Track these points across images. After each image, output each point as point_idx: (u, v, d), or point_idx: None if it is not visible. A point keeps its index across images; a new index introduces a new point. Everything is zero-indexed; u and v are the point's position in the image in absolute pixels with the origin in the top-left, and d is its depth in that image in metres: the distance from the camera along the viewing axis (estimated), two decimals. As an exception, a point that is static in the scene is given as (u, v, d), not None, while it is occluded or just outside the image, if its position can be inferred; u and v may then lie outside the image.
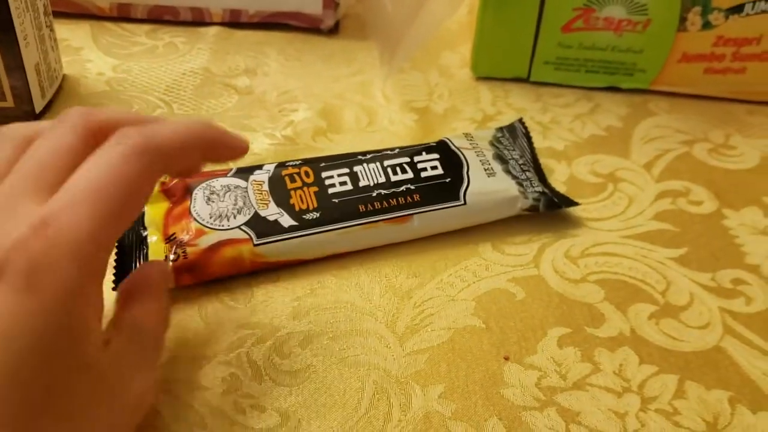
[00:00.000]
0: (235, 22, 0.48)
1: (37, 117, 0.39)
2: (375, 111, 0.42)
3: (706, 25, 0.42)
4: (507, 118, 0.42)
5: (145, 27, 0.48)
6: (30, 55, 0.38)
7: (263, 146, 0.39)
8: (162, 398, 0.26)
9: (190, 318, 0.29)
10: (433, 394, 0.27)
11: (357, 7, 0.51)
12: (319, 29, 0.48)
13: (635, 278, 0.32)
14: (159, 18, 0.48)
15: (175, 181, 0.33)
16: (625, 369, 0.28)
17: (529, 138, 0.36)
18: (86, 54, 0.45)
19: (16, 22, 0.36)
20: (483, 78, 0.45)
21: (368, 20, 0.49)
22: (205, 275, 0.31)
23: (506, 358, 0.29)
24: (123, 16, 0.48)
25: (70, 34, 0.47)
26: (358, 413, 0.26)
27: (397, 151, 0.34)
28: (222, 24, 0.48)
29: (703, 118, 0.43)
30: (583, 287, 0.32)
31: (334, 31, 0.49)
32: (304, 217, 0.32)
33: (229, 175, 0.33)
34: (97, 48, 0.46)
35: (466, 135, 0.35)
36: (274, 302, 0.30)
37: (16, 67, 0.37)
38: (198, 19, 0.48)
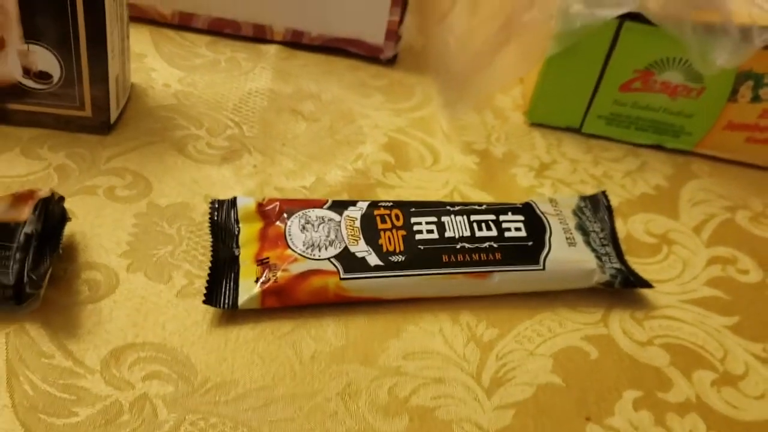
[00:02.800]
0: (296, 42, 0.49)
1: (111, 127, 0.39)
2: (437, 150, 0.43)
3: (756, 99, 0.44)
4: (562, 168, 0.44)
5: (205, 38, 0.48)
6: (114, 67, 0.37)
7: (336, 178, 0.39)
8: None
9: (284, 354, 0.30)
10: (523, 449, 0.29)
11: (417, 40, 0.52)
12: (378, 59, 0.49)
13: (696, 344, 0.34)
14: (219, 30, 0.48)
15: (274, 204, 0.33)
16: (695, 435, 0.30)
17: (610, 212, 0.38)
18: (149, 62, 0.45)
19: (108, 34, 0.36)
20: (536, 124, 0.47)
21: (428, 55, 0.50)
22: (291, 301, 0.31)
23: (588, 419, 0.30)
24: (183, 24, 0.48)
25: (131, 39, 0.47)
26: (455, 465, 0.28)
27: (484, 207, 0.35)
28: (282, 43, 0.49)
29: (741, 185, 0.45)
30: (650, 350, 0.34)
31: (391, 61, 0.50)
32: (390, 258, 0.33)
33: (324, 207, 0.34)
34: (160, 56, 0.46)
35: (551, 200, 0.37)
36: (363, 343, 0.31)
37: (102, 79, 0.37)
38: (259, 36, 0.48)
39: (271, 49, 0.48)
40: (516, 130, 0.46)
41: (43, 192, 0.31)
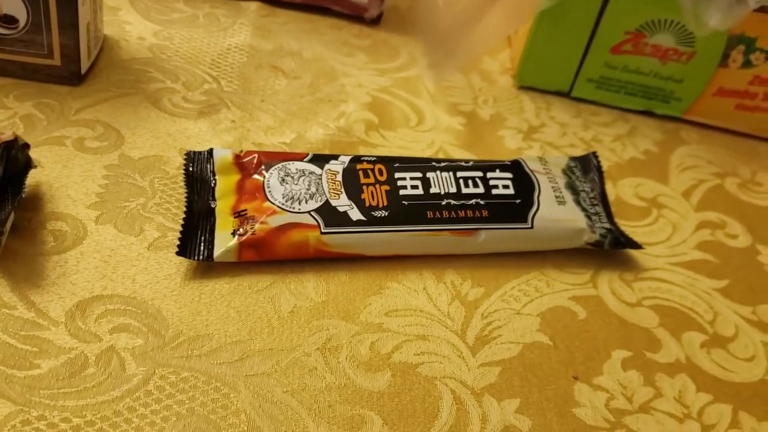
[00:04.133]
0: (277, 0, 0.47)
1: (81, 78, 0.37)
2: (422, 110, 0.42)
3: (747, 64, 0.43)
4: (551, 131, 0.42)
5: (183, -7, 0.46)
6: (84, 14, 0.36)
7: (317, 136, 0.38)
8: (243, 393, 0.26)
9: (261, 308, 0.29)
10: (510, 408, 0.28)
11: (402, 0, 0.50)
12: (362, 18, 0.48)
13: (685, 306, 0.33)
14: (198, -15, 0.47)
15: (251, 156, 0.32)
16: (684, 396, 0.30)
17: (601, 173, 0.37)
18: (124, 15, 0.43)
19: (78, -23, 0.34)
20: (525, 87, 0.46)
21: (414, 15, 0.49)
22: (269, 254, 0.30)
23: (575, 378, 0.29)
24: (160, -22, 0.46)
25: (104, -9, 0.45)
26: (440, 422, 0.26)
27: (471, 163, 0.34)
28: (264, 0, 0.47)
29: (730, 152, 0.44)
30: (639, 311, 0.33)
31: (376, 21, 0.48)
32: (373, 213, 0.31)
33: (305, 159, 0.32)
34: (135, 11, 0.44)
35: (541, 159, 0.36)
36: (344, 299, 0.30)
37: (71, 24, 0.35)
38: (239, -8, 0.47)
39: (252, 6, 0.46)
40: (504, 93, 0.45)
41: (5, 136, 0.29)
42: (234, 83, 0.40)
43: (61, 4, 0.34)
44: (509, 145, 0.41)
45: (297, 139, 0.38)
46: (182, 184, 0.33)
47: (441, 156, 0.39)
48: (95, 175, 0.33)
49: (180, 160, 0.34)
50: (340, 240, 0.31)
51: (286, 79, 0.42)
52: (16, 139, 0.29)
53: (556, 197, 0.34)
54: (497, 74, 0.47)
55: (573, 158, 0.37)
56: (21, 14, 0.34)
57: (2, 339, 0.26)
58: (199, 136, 0.36)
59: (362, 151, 0.38)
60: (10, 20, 0.35)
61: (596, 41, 0.43)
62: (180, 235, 0.30)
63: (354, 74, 0.43)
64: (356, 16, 0.48)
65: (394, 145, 0.39)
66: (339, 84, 0.42)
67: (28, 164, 0.30)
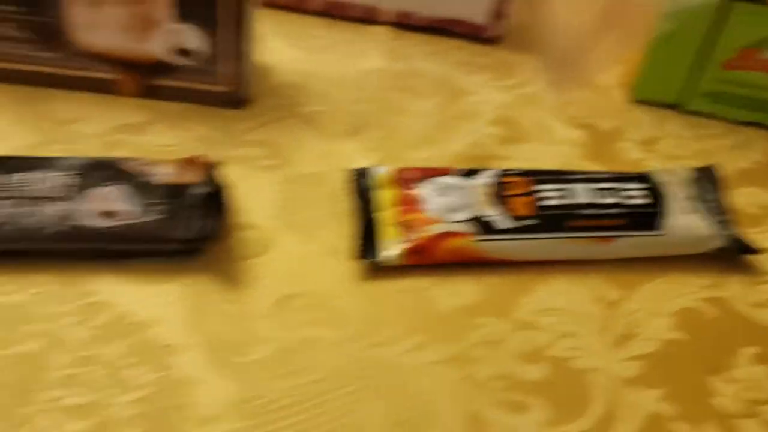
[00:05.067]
0: (403, 23, 0.51)
1: (244, 103, 0.42)
2: (546, 124, 0.45)
3: None
4: (667, 143, 0.45)
5: (319, 20, 0.51)
6: (249, 46, 0.40)
7: (454, 150, 0.42)
8: (423, 379, 0.30)
9: (426, 307, 0.33)
10: (653, 397, 0.31)
11: (520, 20, 0.54)
12: (481, 38, 0.51)
13: (809, 308, 0.36)
14: (331, 12, 0.51)
15: (408, 172, 0.36)
16: (815, 390, 0.32)
17: (721, 183, 0.39)
18: (270, 44, 0.48)
19: (247, 15, 0.39)
20: (640, 101, 0.48)
21: (531, 35, 0.52)
22: (430, 259, 0.34)
23: (710, 371, 0.32)
24: (298, 6, 0.51)
25: (250, 21, 0.50)
26: (592, 409, 0.30)
27: (606, 175, 0.38)
28: (391, 24, 0.51)
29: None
30: (764, 312, 0.35)
31: (495, 41, 0.52)
32: (520, 222, 0.35)
33: (455, 174, 0.36)
34: (279, 39, 0.49)
35: (667, 171, 0.39)
36: (497, 299, 0.34)
37: (239, 55, 0.40)
38: (368, 17, 0.51)
39: (381, 30, 0.51)
40: (620, 106, 0.48)
41: (207, 158, 0.34)
42: (374, 104, 0.44)
43: (233, 39, 0.39)
44: (629, 156, 0.44)
45: (436, 153, 0.41)
46: (346, 197, 0.37)
47: (568, 167, 0.42)
48: (272, 190, 0.37)
49: (340, 176, 0.39)
50: (492, 246, 0.34)
51: (419, 98, 0.46)
52: (213, 161, 0.34)
53: (684, 207, 0.37)
54: (613, 88, 0.50)
55: (696, 169, 0.40)
56: (199, 48, 0.39)
57: (219, 331, 0.31)
58: (351, 153, 0.41)
59: (495, 163, 0.41)
60: (190, 54, 0.40)
61: (710, 57, 0.46)
62: (354, 242, 0.34)
63: (479, 91, 0.47)
64: (476, 36, 0.51)
65: (524, 158, 0.42)
66: (467, 101, 0.46)
67: (222, 183, 0.35)
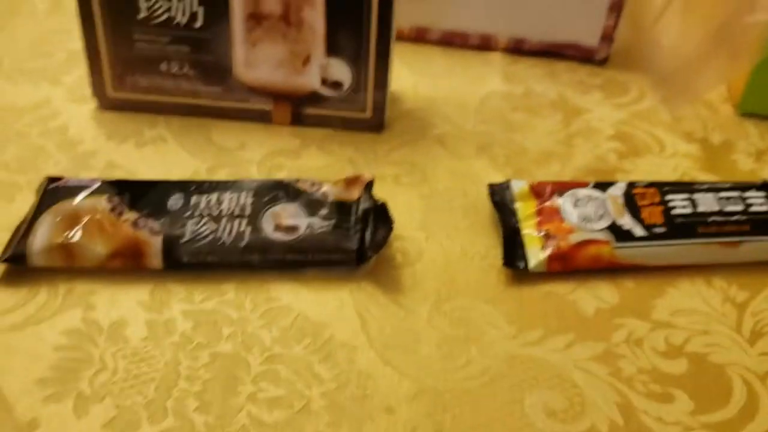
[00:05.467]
0: (517, 49, 0.55)
1: (381, 127, 0.46)
2: (661, 138, 0.48)
3: None
4: (781, 154, 0.47)
5: (438, 49, 0.55)
6: (388, 74, 0.44)
7: (578, 165, 0.45)
8: (575, 373, 0.33)
9: (570, 308, 0.36)
10: (793, 390, 0.33)
11: (627, 41, 0.56)
12: (592, 59, 0.54)
13: None
14: (450, 41, 0.55)
15: (544, 185, 0.39)
16: None
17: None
18: (396, 71, 0.52)
19: (392, 48, 0.43)
20: (747, 114, 0.50)
21: (639, 55, 0.55)
22: (571, 266, 0.37)
23: None
24: (419, 37, 0.55)
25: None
26: (735, 400, 0.32)
27: (728, 185, 0.40)
28: (506, 50, 0.55)
29: None
30: None
31: (604, 62, 0.54)
32: (653, 230, 0.38)
33: (589, 187, 0.39)
34: (404, 66, 0.53)
35: (787, 178, 0.41)
36: (635, 302, 0.36)
37: (382, 86, 0.44)
38: (485, 45, 0.55)
39: (497, 56, 0.54)
40: (728, 120, 0.50)
41: (366, 177, 0.38)
42: (498, 124, 0.48)
43: (378, 70, 0.43)
44: (743, 167, 0.46)
45: (562, 168, 0.45)
46: (483, 210, 0.41)
47: (686, 179, 0.44)
48: (415, 204, 0.41)
49: (475, 191, 0.42)
50: (628, 253, 0.37)
51: (539, 117, 0.49)
52: (372, 179, 0.38)
53: (806, 212, 0.39)
54: (719, 103, 0.52)
55: (814, 177, 0.42)
56: (346, 80, 0.44)
57: (387, 330, 0.34)
58: (483, 170, 0.44)
59: (618, 176, 0.44)
60: (338, 85, 0.44)
61: (820, 70, 0.48)
62: (503, 251, 0.37)
63: (595, 109, 0.50)
64: (587, 59, 0.54)
65: (643, 171, 0.45)
66: (584, 119, 0.49)
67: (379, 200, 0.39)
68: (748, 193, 0.40)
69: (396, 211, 0.40)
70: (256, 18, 0.42)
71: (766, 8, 0.45)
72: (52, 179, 0.39)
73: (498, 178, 0.43)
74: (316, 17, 0.42)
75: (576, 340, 0.35)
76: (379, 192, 0.41)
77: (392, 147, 0.45)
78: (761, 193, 0.40)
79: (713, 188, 0.40)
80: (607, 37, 0.53)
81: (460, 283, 0.37)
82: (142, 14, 0.42)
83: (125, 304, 0.35)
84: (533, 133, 0.47)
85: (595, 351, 0.34)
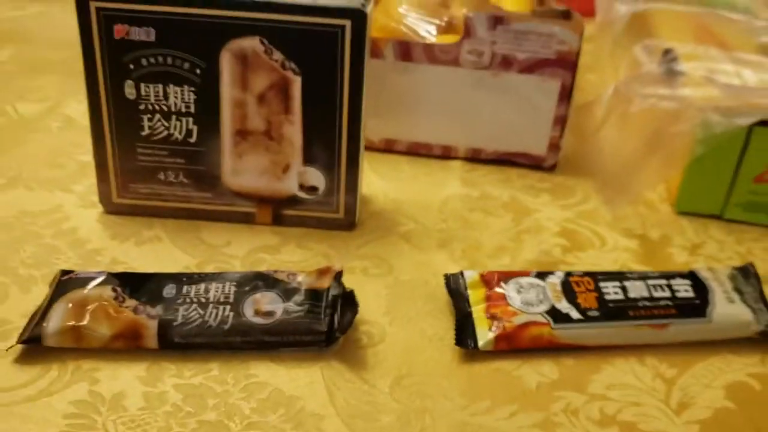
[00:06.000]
0: (475, 158, 0.61)
1: (352, 226, 0.52)
2: (603, 235, 0.54)
3: None
4: (711, 247, 0.53)
5: (405, 158, 0.62)
6: (359, 179, 0.51)
7: (527, 258, 0.50)
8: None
9: (515, 383, 0.40)
10: (711, 453, 0.37)
11: (572, 150, 0.63)
12: (541, 166, 0.61)
13: (844, 380, 0.42)
14: (415, 152, 0.62)
15: (492, 274, 0.45)
16: None
17: (758, 278, 0.47)
18: (366, 178, 0.59)
19: (361, 157, 0.49)
20: (683, 213, 0.57)
21: (583, 162, 0.61)
22: (516, 345, 0.42)
23: (760, 432, 0.38)
24: (388, 148, 0.62)
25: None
26: (660, 462, 0.36)
27: (657, 274, 0.46)
28: (464, 159, 0.62)
29: None
30: (805, 384, 0.42)
31: (552, 168, 0.61)
32: (588, 313, 0.43)
33: (531, 276, 0.45)
34: (373, 173, 0.59)
35: (710, 269, 0.47)
36: (573, 377, 0.41)
37: (353, 188, 0.50)
38: (446, 154, 0.62)
39: (457, 164, 0.61)
40: (666, 218, 0.56)
41: (336, 267, 0.43)
42: (457, 223, 0.54)
43: (349, 175, 0.50)
44: (678, 260, 0.52)
45: (512, 261, 0.50)
46: (441, 297, 0.46)
47: (624, 270, 0.50)
48: (381, 293, 0.46)
49: (435, 281, 0.48)
50: (566, 333, 0.42)
51: (493, 217, 0.55)
52: (341, 270, 0.43)
53: (727, 297, 0.44)
54: (658, 203, 0.58)
55: (734, 267, 0.47)
56: (321, 184, 0.50)
57: (353, 402, 0.39)
58: (442, 262, 0.50)
59: (561, 268, 0.50)
60: (313, 189, 0.50)
61: (741, 173, 0.54)
62: (455, 332, 0.42)
63: (543, 210, 0.56)
64: (537, 166, 0.61)
65: (586, 263, 0.50)
66: (534, 218, 0.55)
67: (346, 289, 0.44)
68: (674, 281, 0.45)
69: (363, 299, 0.45)
70: (242, 134, 0.49)
71: (687, 119, 0.52)
72: (64, 272, 0.44)
73: (456, 270, 0.48)
74: (294, 132, 0.48)
75: (519, 410, 0.39)
76: (350, 283, 0.46)
77: (362, 243, 0.51)
78: (686, 281, 0.45)
79: (643, 276, 0.45)
80: (554, 146, 0.60)
81: (419, 361, 0.42)
82: (146, 131, 0.49)
83: (125, 379, 0.39)
84: (488, 231, 0.53)
85: (536, 419, 0.38)
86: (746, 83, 0.55)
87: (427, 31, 0.60)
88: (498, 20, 0.56)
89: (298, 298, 0.42)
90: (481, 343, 0.42)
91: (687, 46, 0.61)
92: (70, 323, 0.40)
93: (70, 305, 0.41)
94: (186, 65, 0.46)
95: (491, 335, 0.42)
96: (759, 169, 0.54)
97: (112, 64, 0.47)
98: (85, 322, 0.40)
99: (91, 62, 0.47)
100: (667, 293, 0.44)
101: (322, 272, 0.43)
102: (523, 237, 0.53)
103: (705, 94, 0.54)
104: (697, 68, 0.57)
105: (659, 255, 0.52)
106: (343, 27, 0.45)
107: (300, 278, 0.43)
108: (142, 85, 0.47)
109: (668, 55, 0.59)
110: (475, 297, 0.44)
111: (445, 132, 0.61)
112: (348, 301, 0.42)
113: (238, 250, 0.49)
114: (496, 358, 0.42)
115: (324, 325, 0.41)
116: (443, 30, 0.62)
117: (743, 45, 0.62)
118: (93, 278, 0.43)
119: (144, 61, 0.47)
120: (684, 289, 0.45)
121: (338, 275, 0.43)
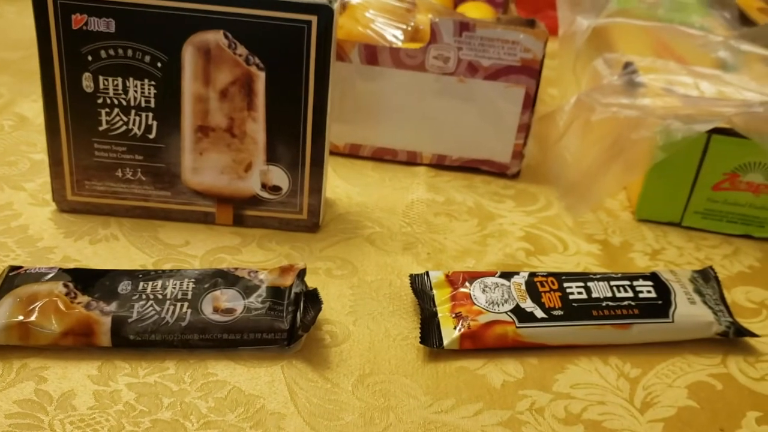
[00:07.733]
0: (440, 164, 0.61)
1: (316, 228, 0.51)
2: (565, 240, 0.54)
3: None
4: (670, 253, 0.53)
5: (370, 163, 0.61)
6: (322, 181, 0.50)
7: (491, 261, 0.50)
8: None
9: (480, 381, 0.40)
10: (675, 450, 0.37)
11: (535, 158, 0.64)
12: (505, 174, 0.61)
13: (802, 381, 0.43)
14: (380, 157, 0.61)
15: (457, 275, 0.44)
16: (812, 445, 0.38)
17: (718, 281, 0.47)
18: (332, 181, 0.58)
19: (325, 157, 0.49)
20: (643, 220, 0.57)
21: (547, 169, 0.62)
22: (480, 343, 0.41)
23: (722, 430, 0.38)
24: (353, 153, 0.61)
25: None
26: (625, 459, 0.36)
27: (620, 275, 0.46)
28: (429, 165, 0.61)
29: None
30: (764, 384, 0.42)
31: (516, 176, 0.61)
32: (552, 313, 0.43)
33: (496, 276, 0.45)
34: (339, 177, 0.59)
35: (671, 272, 0.47)
36: (538, 376, 0.41)
37: (317, 189, 0.49)
38: (411, 160, 0.61)
39: (422, 170, 0.61)
40: (626, 225, 0.57)
41: (300, 265, 0.42)
42: (421, 227, 0.53)
43: (313, 176, 0.49)
44: (639, 264, 0.52)
45: (477, 263, 0.50)
46: (406, 297, 0.45)
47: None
48: (345, 293, 0.45)
49: (399, 282, 0.47)
50: (530, 332, 0.42)
51: (458, 221, 0.55)
52: (305, 268, 0.42)
53: (688, 299, 0.44)
54: (619, 210, 0.59)
55: (695, 271, 0.48)
56: (284, 184, 0.49)
57: (315, 401, 0.38)
58: (407, 264, 0.49)
59: (526, 270, 0.49)
60: (276, 189, 0.49)
61: (699, 182, 0.55)
62: (420, 331, 0.41)
63: (507, 216, 0.56)
64: (500, 173, 0.61)
65: (549, 267, 0.50)
66: (497, 223, 0.55)
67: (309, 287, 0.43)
68: (637, 282, 0.45)
69: (327, 300, 0.44)
70: (203, 130, 0.48)
71: (647, 126, 0.53)
72: (13, 268, 0.42)
73: (421, 271, 0.48)
74: (257, 130, 0.47)
75: (484, 408, 0.38)
76: (313, 284, 0.45)
77: (326, 245, 0.50)
78: (649, 283, 0.45)
79: (606, 278, 0.45)
80: (518, 154, 0.60)
81: (383, 360, 0.41)
82: (103, 126, 0.47)
83: (75, 378, 0.37)
84: (452, 234, 0.53)
85: (501, 418, 0.38)
86: (704, 95, 0.56)
87: (393, 35, 0.60)
88: (464, 26, 0.56)
89: (260, 295, 0.41)
90: (446, 341, 0.41)
91: (646, 59, 0.62)
92: (17, 319, 0.38)
93: (18, 301, 0.39)
94: (147, 58, 0.45)
95: (456, 334, 0.41)
96: (717, 177, 0.55)
97: (69, 55, 0.45)
98: (33, 319, 0.38)
99: (47, 52, 0.45)
100: (629, 294, 0.44)
101: (284, 270, 0.42)
102: (488, 241, 0.53)
103: (665, 104, 0.54)
104: (656, 80, 0.58)
105: (620, 260, 0.52)
106: (309, 22, 0.44)
107: (262, 276, 0.42)
108: (101, 78, 0.46)
109: (629, 68, 0.60)
110: (441, 297, 0.44)
111: (411, 138, 0.61)
112: (311, 299, 0.41)
113: (197, 250, 0.48)
114: (460, 357, 0.41)
115: (286, 323, 0.40)
116: (410, 37, 0.62)
117: (700, 59, 0.63)
118: (44, 274, 0.41)
119: (103, 53, 0.45)
120: (646, 290, 0.45)
121: (301, 273, 0.42)
